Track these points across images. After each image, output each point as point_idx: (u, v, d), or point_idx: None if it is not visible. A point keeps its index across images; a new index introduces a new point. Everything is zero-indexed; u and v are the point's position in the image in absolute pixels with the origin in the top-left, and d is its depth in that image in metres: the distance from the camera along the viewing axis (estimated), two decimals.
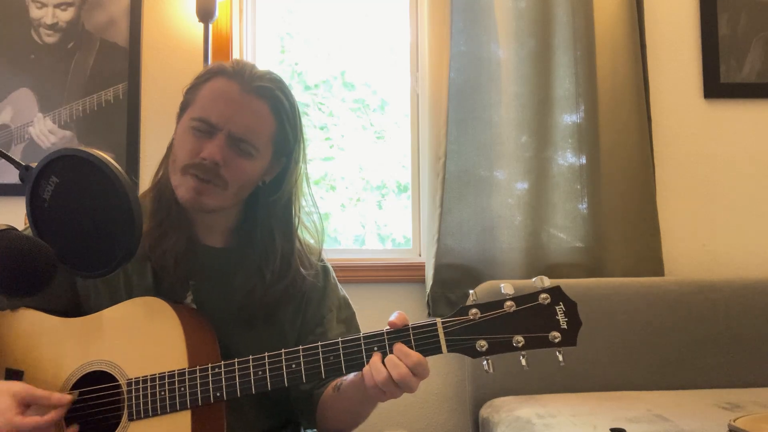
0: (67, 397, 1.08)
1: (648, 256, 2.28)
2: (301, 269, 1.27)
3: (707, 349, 2.07)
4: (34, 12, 2.40)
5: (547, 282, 1.05)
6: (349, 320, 1.34)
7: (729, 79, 2.42)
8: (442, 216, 2.26)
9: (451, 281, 2.25)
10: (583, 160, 2.30)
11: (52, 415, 1.05)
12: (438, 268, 2.24)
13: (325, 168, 2.61)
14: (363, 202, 2.64)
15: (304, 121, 1.32)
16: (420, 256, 2.45)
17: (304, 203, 1.30)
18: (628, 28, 2.32)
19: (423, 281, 2.32)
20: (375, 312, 2.26)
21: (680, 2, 2.45)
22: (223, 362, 1.11)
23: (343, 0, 2.65)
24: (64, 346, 1.17)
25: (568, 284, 2.05)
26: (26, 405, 1.04)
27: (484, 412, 1.94)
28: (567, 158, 2.32)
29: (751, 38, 2.44)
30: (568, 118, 2.33)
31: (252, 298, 1.23)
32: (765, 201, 2.41)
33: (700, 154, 2.41)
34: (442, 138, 2.27)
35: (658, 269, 2.28)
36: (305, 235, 1.32)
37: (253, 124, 1.18)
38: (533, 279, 1.05)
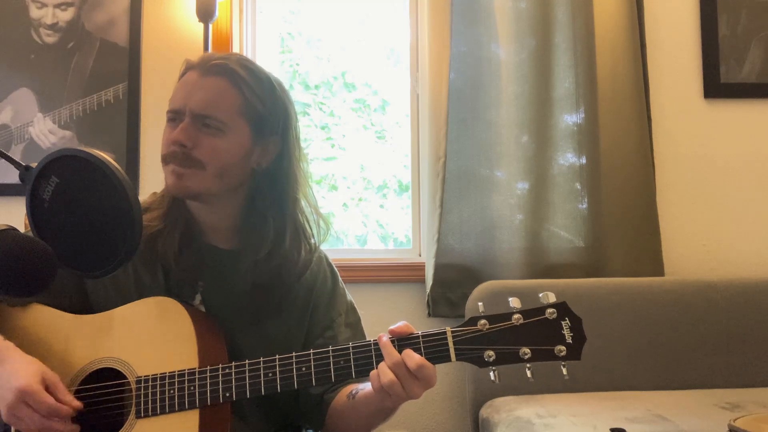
0: (77, 405, 1.09)
1: (648, 256, 2.29)
2: (293, 252, 1.25)
3: (707, 349, 2.07)
4: (34, 12, 2.41)
5: (553, 298, 1.07)
6: (355, 325, 1.34)
7: (729, 79, 2.42)
8: (442, 216, 2.26)
9: (451, 281, 2.25)
10: (583, 160, 2.30)
11: (61, 409, 1.05)
12: (438, 268, 2.24)
13: (326, 168, 2.61)
14: (365, 201, 2.64)
15: (305, 120, 1.31)
16: (420, 256, 2.45)
17: (301, 186, 1.28)
18: (628, 28, 2.32)
19: (423, 281, 2.32)
20: (375, 312, 2.27)
21: (680, 2, 2.45)
22: (234, 363, 1.11)
23: (343, 1, 2.65)
24: (74, 342, 1.17)
25: (568, 284, 2.08)
26: (47, 385, 1.06)
27: (484, 412, 1.94)
28: (567, 158, 2.32)
29: (751, 38, 2.44)
30: (568, 118, 2.33)
31: (247, 285, 1.22)
32: (765, 201, 2.41)
33: (700, 154, 2.41)
34: (442, 138, 2.27)
35: (658, 269, 2.28)
36: (308, 214, 1.30)
37: (212, 98, 1.18)
38: (539, 294, 1.07)
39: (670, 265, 2.33)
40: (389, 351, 1.04)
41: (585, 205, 2.30)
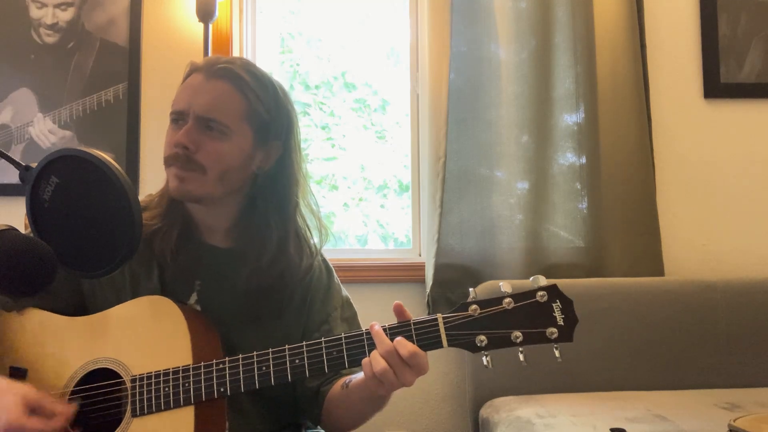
0: (71, 408, 1.08)
1: (648, 256, 2.29)
2: (296, 257, 1.26)
3: (707, 349, 2.07)
4: (34, 12, 2.41)
5: (543, 281, 1.07)
6: (351, 319, 1.35)
7: (729, 79, 2.42)
8: (442, 216, 2.26)
9: (451, 281, 2.25)
10: (583, 160, 2.30)
11: (55, 423, 1.05)
12: (438, 268, 2.24)
13: (327, 168, 2.61)
14: (365, 201, 2.64)
15: (305, 120, 1.32)
16: (420, 256, 2.45)
17: (302, 189, 1.29)
18: (628, 28, 2.32)
19: (423, 281, 2.32)
20: (375, 312, 2.27)
21: (680, 2, 2.45)
22: (227, 358, 1.12)
23: (343, 1, 2.65)
24: (68, 344, 1.17)
25: (568, 284, 2.05)
26: (32, 408, 1.04)
27: (484, 412, 1.94)
28: (567, 158, 2.32)
29: (751, 38, 2.44)
30: (568, 118, 2.33)
31: (251, 286, 1.23)
32: (765, 201, 2.41)
33: (700, 154, 2.41)
34: (442, 138, 2.27)
35: (658, 269, 2.28)
36: (308, 218, 1.31)
37: (217, 101, 1.18)
38: (530, 278, 1.07)
39: (670, 265, 2.33)
40: (381, 339, 1.05)
41: (585, 205, 2.30)
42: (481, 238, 2.28)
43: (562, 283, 1.03)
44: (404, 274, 2.37)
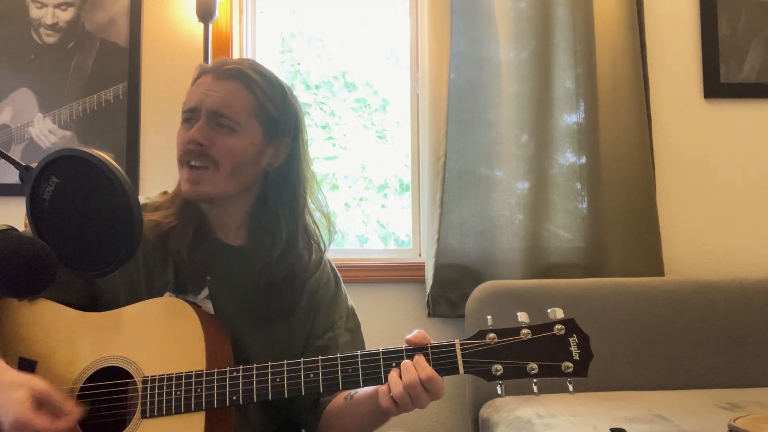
0: (79, 410, 1.07)
1: (648, 256, 2.29)
2: (304, 252, 1.29)
3: (707, 349, 2.07)
4: (34, 12, 2.41)
5: (561, 314, 1.08)
6: (354, 330, 1.35)
7: (729, 79, 2.42)
8: (442, 216, 2.26)
9: (451, 281, 2.25)
10: (583, 160, 2.30)
11: (62, 423, 1.04)
12: (438, 268, 2.24)
13: (327, 167, 2.61)
14: (366, 200, 2.64)
15: (306, 119, 1.34)
16: (420, 256, 2.45)
17: (310, 186, 1.32)
18: (628, 28, 2.32)
19: (423, 281, 2.32)
20: (375, 312, 2.28)
21: (680, 2, 2.45)
22: (241, 367, 1.11)
23: (344, 1, 2.65)
24: (80, 339, 1.17)
25: (568, 284, 2.08)
26: (40, 403, 1.04)
27: (484, 412, 1.94)
28: (567, 158, 2.32)
29: (751, 38, 2.44)
30: (568, 118, 2.33)
31: (261, 283, 1.24)
32: (765, 201, 2.41)
33: (700, 154, 2.41)
34: (442, 138, 2.27)
35: (658, 269, 2.28)
36: (316, 215, 1.34)
37: (228, 98, 1.21)
38: (548, 310, 1.08)
39: (670, 265, 2.33)
40: (408, 368, 1.06)
41: (585, 205, 2.30)
42: (481, 238, 2.28)
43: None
44: (404, 274, 2.37)
